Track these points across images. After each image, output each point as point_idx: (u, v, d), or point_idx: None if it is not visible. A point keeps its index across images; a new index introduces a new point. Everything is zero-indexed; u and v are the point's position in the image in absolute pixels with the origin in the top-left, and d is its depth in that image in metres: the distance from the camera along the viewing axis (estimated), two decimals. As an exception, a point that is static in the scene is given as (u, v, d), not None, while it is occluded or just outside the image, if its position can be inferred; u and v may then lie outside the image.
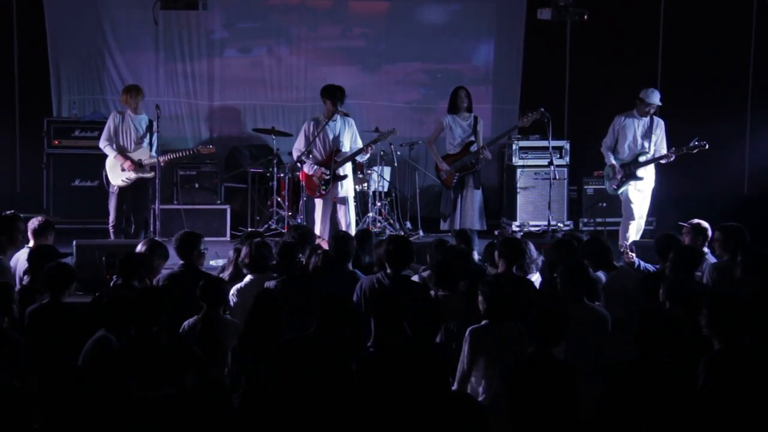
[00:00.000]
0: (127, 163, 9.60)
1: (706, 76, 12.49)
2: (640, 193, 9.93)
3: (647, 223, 10.24)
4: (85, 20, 11.82)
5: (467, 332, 5.71)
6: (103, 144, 9.73)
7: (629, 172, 9.87)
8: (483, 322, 5.74)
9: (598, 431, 5.00)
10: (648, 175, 9.91)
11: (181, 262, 6.92)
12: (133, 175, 9.64)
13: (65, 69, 11.85)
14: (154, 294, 5.63)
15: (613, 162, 9.91)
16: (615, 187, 9.98)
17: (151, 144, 9.71)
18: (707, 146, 9.65)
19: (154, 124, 9.76)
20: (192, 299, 6.11)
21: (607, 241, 7.47)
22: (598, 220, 11.25)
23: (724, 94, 12.57)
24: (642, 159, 9.83)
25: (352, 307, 5.42)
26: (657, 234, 9.41)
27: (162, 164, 9.65)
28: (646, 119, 9.88)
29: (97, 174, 10.67)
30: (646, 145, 9.88)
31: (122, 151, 9.64)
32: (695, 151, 9.69)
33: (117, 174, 9.66)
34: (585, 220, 11.45)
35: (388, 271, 6.55)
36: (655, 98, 9.81)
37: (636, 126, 9.90)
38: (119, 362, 4.89)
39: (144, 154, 9.66)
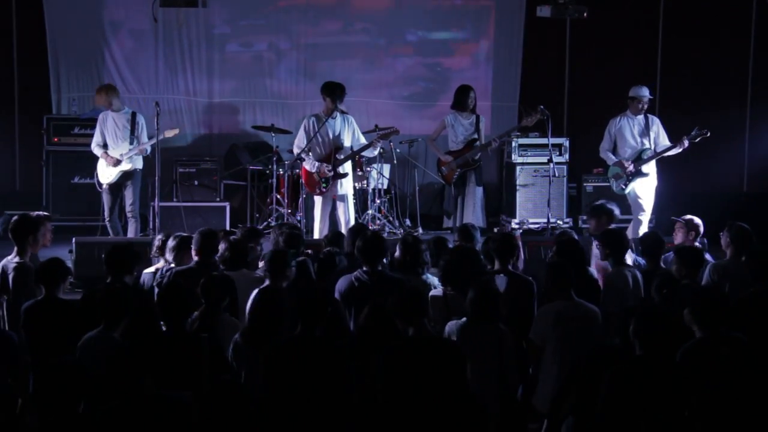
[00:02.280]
0: (109, 159, 9.80)
1: (705, 73, 12.49)
2: (646, 188, 9.96)
3: (648, 220, 10.25)
4: (84, 17, 11.83)
5: (445, 329, 5.70)
6: (93, 146, 9.93)
7: (635, 170, 9.90)
8: (462, 320, 5.70)
9: (597, 429, 5.00)
10: (651, 171, 9.95)
11: (197, 259, 6.86)
12: (114, 171, 9.82)
13: (65, 66, 11.85)
14: (180, 289, 5.61)
15: (616, 159, 9.93)
16: (623, 186, 9.99)
17: (136, 137, 9.85)
18: (708, 134, 9.67)
19: (138, 116, 9.94)
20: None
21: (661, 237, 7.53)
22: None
23: (723, 92, 12.58)
24: (645, 156, 9.87)
25: (326, 307, 5.35)
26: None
27: (148, 153, 9.83)
28: (641, 118, 9.94)
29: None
30: (646, 142, 9.92)
31: (106, 149, 9.84)
32: (698, 140, 9.70)
33: (103, 172, 9.91)
34: (584, 217, 11.44)
35: (365, 268, 6.48)
36: (645, 92, 9.89)
37: (632, 126, 9.96)
38: (138, 360, 4.84)
39: (123, 149, 9.82)
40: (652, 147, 9.91)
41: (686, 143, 9.73)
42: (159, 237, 7.52)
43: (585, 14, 10.76)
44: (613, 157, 9.99)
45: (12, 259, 6.93)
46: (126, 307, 5.49)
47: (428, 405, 4.84)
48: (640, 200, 9.97)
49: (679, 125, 10.29)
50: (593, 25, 11.72)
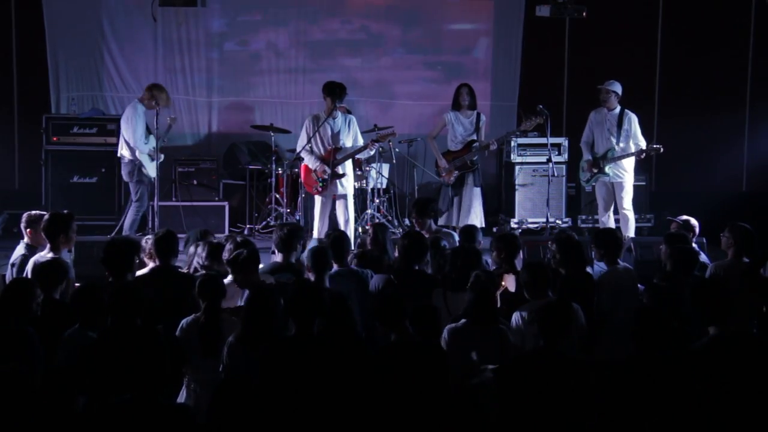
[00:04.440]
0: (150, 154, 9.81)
1: (704, 72, 12.49)
2: (608, 188, 9.99)
3: (646, 219, 10.26)
4: (83, 17, 11.84)
5: (445, 331, 5.68)
6: (139, 143, 9.81)
7: (597, 167, 9.95)
8: (461, 321, 5.70)
9: (595, 428, 4.99)
10: (619, 170, 9.94)
11: (158, 262, 6.73)
12: (153, 164, 9.85)
13: (64, 66, 11.87)
14: (132, 288, 5.60)
15: (589, 158, 9.99)
16: (584, 181, 10.11)
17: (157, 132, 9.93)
18: (662, 150, 9.75)
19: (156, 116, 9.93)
20: (170, 299, 6.16)
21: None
22: (596, 217, 11.25)
23: (722, 91, 12.58)
24: (609, 155, 9.90)
25: (320, 306, 5.34)
26: (658, 231, 9.43)
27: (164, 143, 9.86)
28: (615, 113, 9.96)
29: (96, 170, 10.76)
30: (613, 139, 9.93)
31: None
32: (652, 153, 9.83)
33: (151, 165, 9.83)
34: (583, 217, 11.46)
35: (401, 265, 6.63)
36: (608, 84, 9.94)
37: (604, 120, 10.02)
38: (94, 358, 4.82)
39: (153, 143, 9.89)
40: (625, 144, 9.90)
41: (643, 155, 9.87)
42: (148, 238, 7.31)
43: (584, 14, 10.77)
44: (587, 154, 10.05)
45: (45, 255, 6.94)
46: (103, 305, 5.46)
47: (412, 408, 4.85)
48: (597, 202, 10.01)
49: (679, 125, 10.31)
50: (593, 24, 11.72)
